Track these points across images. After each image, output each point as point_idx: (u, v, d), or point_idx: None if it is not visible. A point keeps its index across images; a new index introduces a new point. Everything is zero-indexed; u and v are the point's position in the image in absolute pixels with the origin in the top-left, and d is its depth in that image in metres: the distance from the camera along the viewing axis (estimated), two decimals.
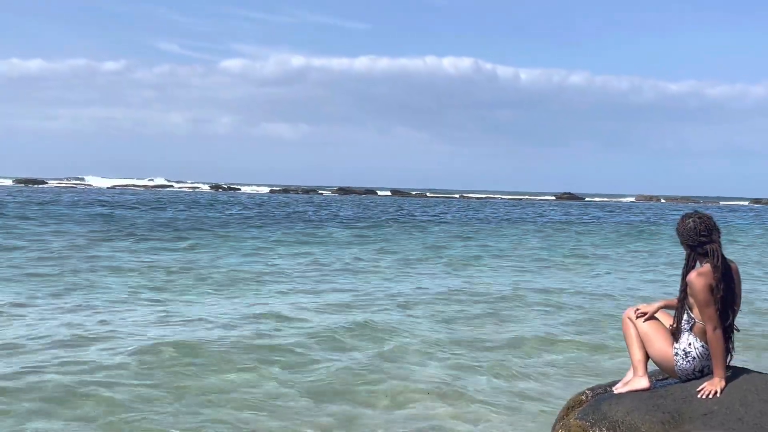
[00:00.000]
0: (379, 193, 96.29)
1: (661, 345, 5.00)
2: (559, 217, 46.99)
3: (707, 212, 5.09)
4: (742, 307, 5.10)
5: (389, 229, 30.97)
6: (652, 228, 37.52)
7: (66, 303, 11.27)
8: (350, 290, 13.51)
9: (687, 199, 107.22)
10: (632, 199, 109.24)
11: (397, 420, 6.53)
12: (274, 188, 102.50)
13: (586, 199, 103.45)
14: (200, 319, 10.31)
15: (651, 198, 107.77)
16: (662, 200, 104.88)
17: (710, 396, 4.67)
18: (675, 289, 5.23)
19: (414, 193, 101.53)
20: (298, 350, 8.63)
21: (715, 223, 4.93)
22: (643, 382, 5.02)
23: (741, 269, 5.13)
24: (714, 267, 4.79)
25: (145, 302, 11.61)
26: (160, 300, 11.89)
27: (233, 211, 41.32)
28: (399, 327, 10.11)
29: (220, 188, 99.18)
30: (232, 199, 64.43)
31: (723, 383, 4.71)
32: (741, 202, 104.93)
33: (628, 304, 10.77)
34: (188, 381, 7.32)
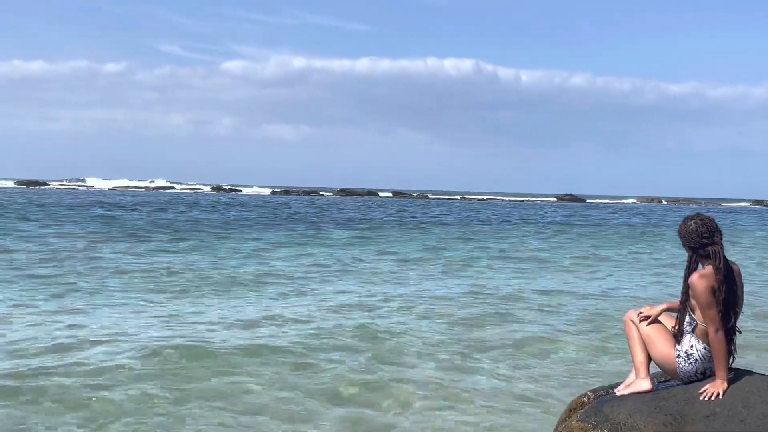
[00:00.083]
0: (381, 194, 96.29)
1: (663, 347, 4.99)
2: (561, 219, 46.98)
3: (709, 214, 5.09)
4: (744, 308, 5.09)
5: (391, 230, 30.97)
6: (654, 229, 37.51)
7: (67, 305, 11.27)
8: (351, 292, 13.51)
9: (688, 200, 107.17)
10: (633, 200, 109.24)
11: (398, 421, 6.53)
12: (275, 190, 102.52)
13: (588, 200, 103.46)
14: (201, 321, 10.31)
15: (652, 199, 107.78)
16: (663, 201, 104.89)
17: (712, 398, 4.66)
18: (677, 291, 5.23)
19: (415, 194, 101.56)
20: (300, 352, 8.63)
21: (716, 225, 4.93)
22: (645, 384, 5.01)
23: (743, 271, 5.12)
24: (716, 269, 4.78)
25: (146, 304, 11.61)
26: (161, 302, 11.89)
27: (234, 213, 41.34)
28: (400, 328, 10.10)
29: (221, 190, 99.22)
30: (233, 200, 64.45)
31: (725, 385, 4.70)
32: (742, 204, 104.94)
33: (630, 306, 10.78)
34: (190, 384, 7.32)
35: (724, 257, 4.84)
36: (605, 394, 5.23)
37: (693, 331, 4.91)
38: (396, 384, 7.52)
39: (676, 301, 5.10)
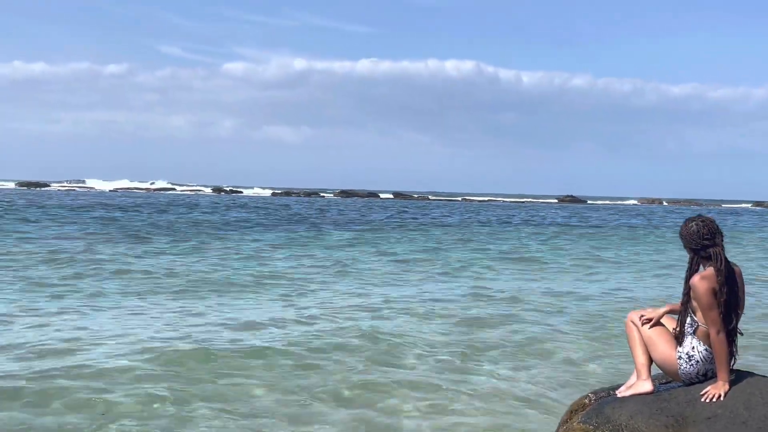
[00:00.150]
0: (381, 195, 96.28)
1: (664, 348, 5.00)
2: (561, 220, 46.96)
3: (710, 216, 5.09)
4: (745, 310, 5.09)
5: (391, 231, 30.97)
6: (654, 231, 37.50)
7: (68, 307, 11.28)
8: (352, 293, 13.51)
9: (689, 201, 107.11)
10: (634, 201, 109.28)
11: (398, 422, 6.52)
12: (276, 191, 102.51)
13: (588, 201, 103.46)
14: (202, 323, 10.32)
15: (653, 201, 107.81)
16: (664, 203, 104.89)
17: (714, 399, 4.66)
18: (678, 293, 5.23)
19: (416, 195, 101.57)
20: (301, 354, 8.63)
21: (718, 227, 4.93)
22: (646, 386, 5.01)
23: (744, 272, 5.12)
24: (717, 270, 4.79)
25: (147, 306, 11.61)
26: (162, 304, 11.89)
27: (235, 214, 41.34)
28: (400, 330, 10.10)
29: (223, 191, 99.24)
30: (234, 202, 64.47)
31: (727, 387, 4.70)
32: (743, 205, 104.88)
33: (630, 308, 10.77)
34: (191, 385, 7.31)
35: (726, 259, 4.84)
36: (606, 396, 5.23)
37: (694, 332, 4.91)
38: (396, 385, 7.52)
39: (678, 304, 5.10)
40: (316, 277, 15.55)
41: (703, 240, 4.86)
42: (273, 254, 20.04)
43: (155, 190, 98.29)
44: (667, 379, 5.22)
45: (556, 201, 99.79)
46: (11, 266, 15.46)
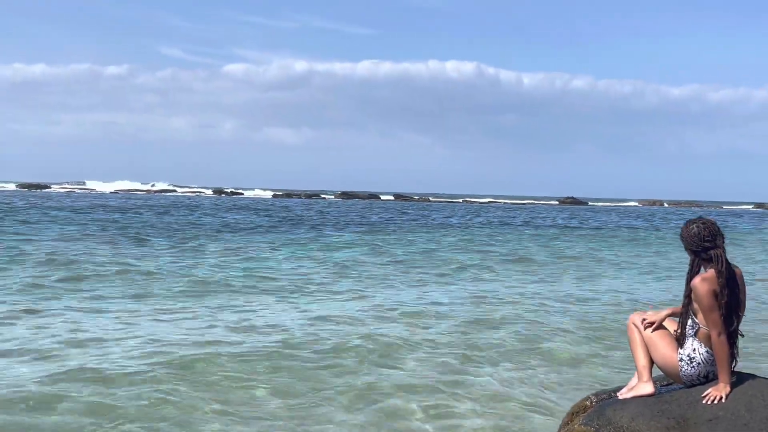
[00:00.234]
0: (382, 197, 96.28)
1: (665, 350, 5.00)
2: (562, 221, 46.96)
3: (711, 217, 5.10)
4: (747, 312, 5.09)
5: (392, 233, 30.97)
6: (655, 232, 37.48)
7: (68, 308, 11.28)
8: (353, 295, 13.51)
9: (690, 203, 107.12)
10: (635, 203, 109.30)
11: (399, 424, 6.52)
12: (277, 193, 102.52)
13: (589, 203, 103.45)
14: (202, 326, 10.32)
15: (654, 202, 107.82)
16: (665, 204, 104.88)
17: (715, 401, 4.67)
18: (679, 294, 5.23)
19: (417, 197, 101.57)
20: (301, 356, 8.63)
21: (719, 229, 4.94)
22: (647, 388, 5.01)
23: (745, 274, 5.12)
24: (718, 272, 4.79)
25: (147, 309, 11.61)
26: (162, 306, 11.89)
27: (236, 216, 41.34)
28: (401, 332, 10.10)
29: (223, 193, 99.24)
30: (234, 203, 64.49)
31: (728, 389, 4.70)
32: (744, 206, 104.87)
33: (632, 310, 10.77)
34: (195, 390, 7.30)
35: (727, 260, 4.85)
36: (608, 398, 5.23)
37: (695, 334, 4.92)
38: (397, 387, 7.51)
39: (679, 306, 5.10)
40: (317, 279, 15.55)
41: (704, 242, 4.87)
42: (274, 256, 20.04)
43: (156, 191, 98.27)
44: (668, 381, 5.22)
45: (556, 202, 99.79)
46: (11, 268, 15.46)
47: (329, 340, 9.45)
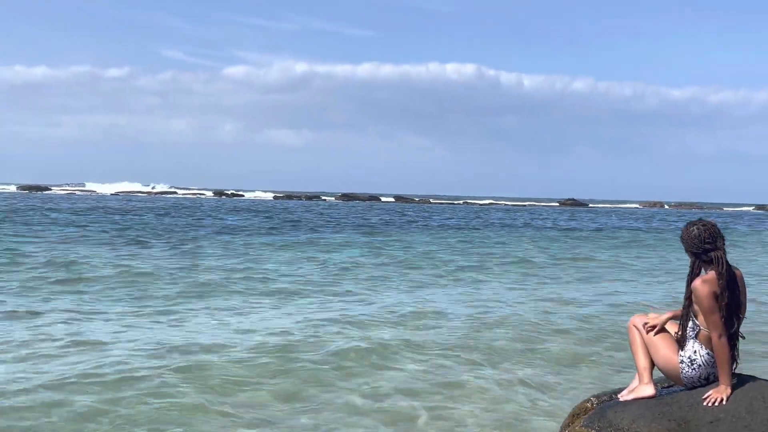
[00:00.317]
0: (383, 199, 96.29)
1: (666, 352, 5.00)
2: (563, 223, 46.95)
3: (711, 219, 5.10)
4: (747, 314, 5.09)
5: (392, 235, 30.97)
6: (656, 234, 37.48)
7: (69, 311, 11.28)
8: (353, 297, 13.51)
9: (691, 205, 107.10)
10: (636, 205, 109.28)
11: (399, 426, 6.52)
12: (278, 194, 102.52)
13: (590, 205, 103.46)
14: (204, 330, 10.31)
15: (655, 204, 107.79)
16: (666, 206, 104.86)
17: (716, 403, 4.66)
18: (680, 296, 5.23)
19: (417, 199, 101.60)
20: (301, 359, 8.62)
21: (719, 231, 4.94)
22: (648, 390, 5.01)
23: (745, 276, 5.12)
24: (719, 274, 4.79)
25: (147, 311, 11.61)
26: (162, 309, 11.89)
27: (236, 218, 41.35)
28: (401, 334, 10.10)
29: (224, 194, 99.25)
30: (235, 205, 64.49)
31: (729, 391, 4.70)
32: (745, 209, 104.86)
33: (633, 311, 10.77)
34: (197, 393, 7.30)
35: (727, 262, 4.85)
36: (608, 400, 5.23)
37: (696, 336, 4.91)
38: (396, 390, 7.51)
39: (680, 309, 5.10)
40: (317, 281, 15.55)
41: (705, 244, 4.87)
42: (273, 258, 20.03)
43: (156, 193, 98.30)
44: (669, 383, 5.22)
45: (557, 204, 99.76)
46: (11, 270, 15.46)
47: (329, 342, 9.44)
